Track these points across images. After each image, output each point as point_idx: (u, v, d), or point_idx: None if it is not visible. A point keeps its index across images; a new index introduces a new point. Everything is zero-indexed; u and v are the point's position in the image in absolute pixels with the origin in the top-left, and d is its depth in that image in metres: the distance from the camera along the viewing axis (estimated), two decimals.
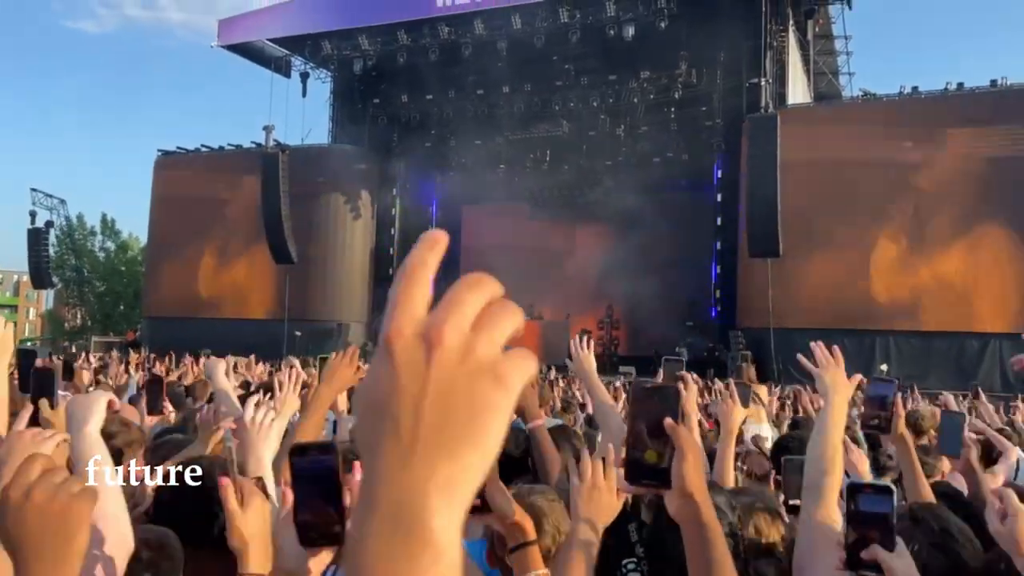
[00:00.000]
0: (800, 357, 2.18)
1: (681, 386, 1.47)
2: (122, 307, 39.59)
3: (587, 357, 2.83)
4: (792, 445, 2.89)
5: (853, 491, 1.53)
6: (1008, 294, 18.39)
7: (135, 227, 44.11)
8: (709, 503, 1.40)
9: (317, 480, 1.27)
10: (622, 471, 1.45)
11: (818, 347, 2.15)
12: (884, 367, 18.26)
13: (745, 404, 2.57)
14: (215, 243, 26.62)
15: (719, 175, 22.80)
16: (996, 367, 17.96)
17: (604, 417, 2.70)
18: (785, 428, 5.10)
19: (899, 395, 2.47)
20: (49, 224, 28.94)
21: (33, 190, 29.12)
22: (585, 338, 2.99)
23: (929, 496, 2.39)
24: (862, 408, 2.83)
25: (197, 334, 22.27)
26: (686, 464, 1.36)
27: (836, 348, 2.16)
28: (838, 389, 2.08)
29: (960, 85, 19.62)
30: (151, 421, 3.87)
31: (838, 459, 1.94)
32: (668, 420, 1.36)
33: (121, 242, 42.90)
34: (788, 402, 8.62)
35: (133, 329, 31.69)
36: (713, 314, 23.09)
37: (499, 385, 0.49)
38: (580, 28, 21.77)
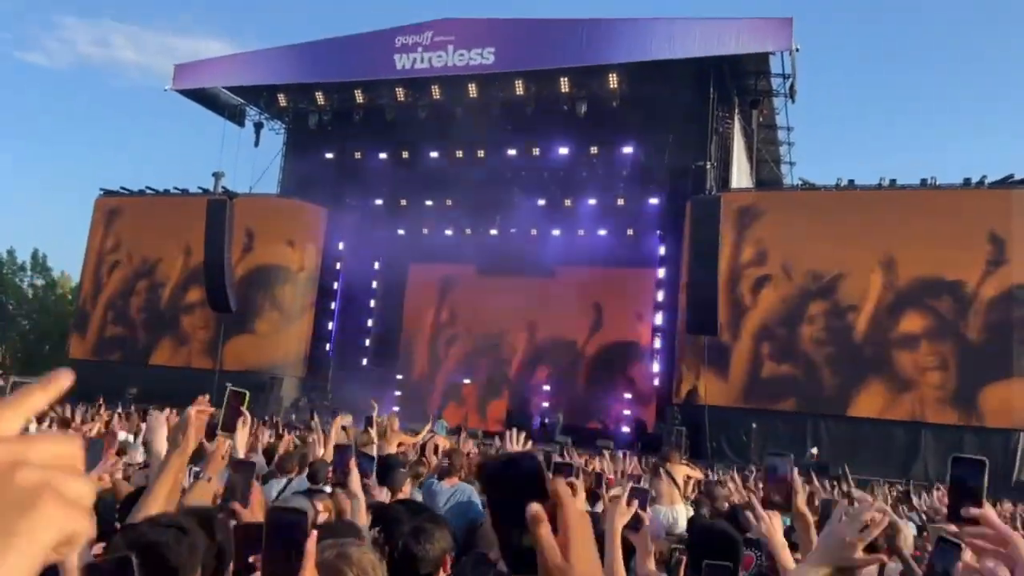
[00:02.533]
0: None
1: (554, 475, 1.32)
2: (47, 347, 38.07)
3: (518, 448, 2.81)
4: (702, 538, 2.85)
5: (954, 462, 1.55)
6: (943, 383, 18.91)
7: (69, 266, 42.80)
8: None
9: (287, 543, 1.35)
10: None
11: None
12: (815, 450, 18.54)
13: (643, 507, 2.47)
14: (151, 286, 25.96)
15: (662, 252, 23.29)
16: (922, 455, 18.38)
17: None
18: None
19: (795, 470, 2.39)
20: None
21: None
22: (520, 434, 2.92)
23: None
24: (760, 484, 2.79)
25: (125, 380, 21.51)
26: (540, 545, 0.95)
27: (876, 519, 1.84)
28: (833, 556, 1.81)
29: (893, 182, 20.56)
30: None
31: None
32: (530, 507, 1.06)
33: (51, 279, 41.50)
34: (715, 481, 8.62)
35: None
36: (651, 389, 23.25)
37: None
38: (535, 100, 22.35)
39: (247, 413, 2.53)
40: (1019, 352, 18.34)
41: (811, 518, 2.44)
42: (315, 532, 1.39)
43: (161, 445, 3.00)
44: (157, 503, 2.17)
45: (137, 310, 25.94)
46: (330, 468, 3.40)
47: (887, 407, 19.04)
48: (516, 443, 2.73)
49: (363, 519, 2.72)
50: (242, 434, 2.90)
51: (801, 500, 2.41)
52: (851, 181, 20.88)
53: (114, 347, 25.85)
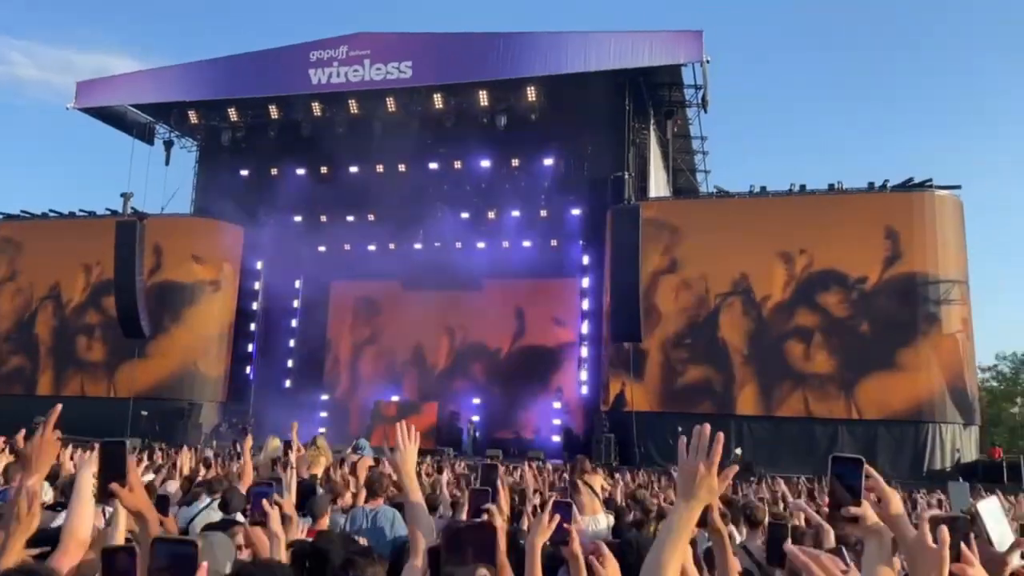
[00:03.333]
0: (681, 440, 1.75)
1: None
2: None
3: (411, 450, 2.69)
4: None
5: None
6: (841, 378, 19.67)
7: None
8: None
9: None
10: None
11: (698, 435, 1.72)
12: (739, 450, 18.98)
13: (567, 520, 2.37)
14: (58, 313, 24.75)
15: (585, 261, 23.55)
16: (841, 450, 19.05)
17: (414, 515, 2.58)
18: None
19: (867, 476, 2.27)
20: None
21: None
22: (410, 428, 2.83)
23: None
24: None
25: (31, 412, 20.36)
26: None
27: (719, 435, 1.71)
28: (696, 492, 1.68)
29: (803, 187, 21.34)
30: None
31: None
32: (480, 571, 1.21)
33: None
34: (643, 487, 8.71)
35: None
36: (579, 397, 23.42)
37: None
38: (455, 114, 22.36)
39: (132, 463, 1.95)
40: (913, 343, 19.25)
41: (725, 532, 2.33)
42: (204, 565, 1.33)
43: (86, 486, 2.74)
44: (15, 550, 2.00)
45: (41, 339, 24.69)
46: (247, 503, 3.22)
47: (807, 406, 19.69)
48: (408, 439, 2.69)
49: (283, 557, 2.60)
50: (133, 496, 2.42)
51: (715, 515, 2.25)
52: (763, 188, 21.58)
53: (18, 378, 24.53)
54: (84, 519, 2.57)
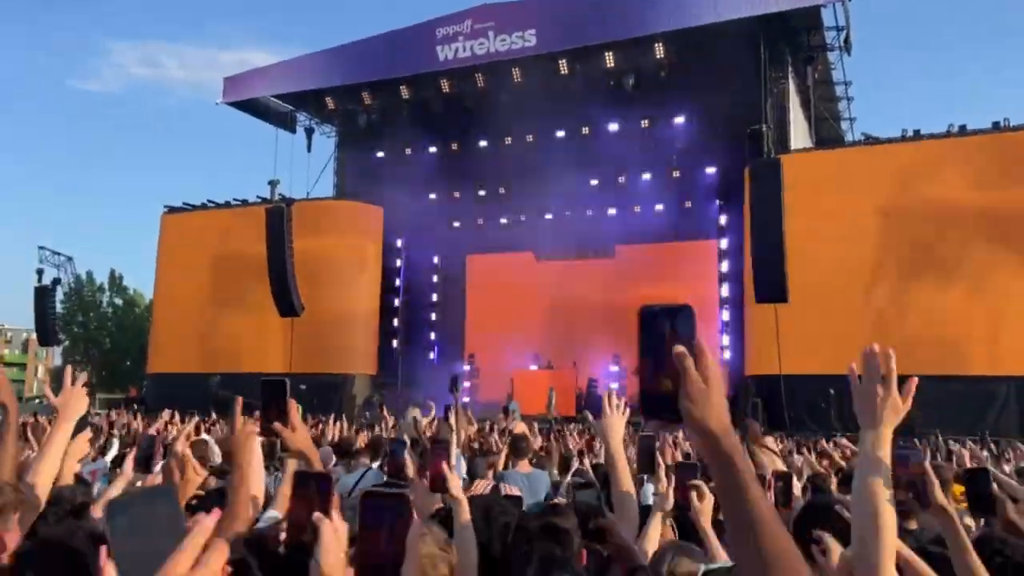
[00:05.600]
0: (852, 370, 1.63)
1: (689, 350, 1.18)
2: (128, 363, 39.50)
3: (618, 419, 2.55)
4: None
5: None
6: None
7: (142, 283, 44.39)
8: (729, 438, 1.14)
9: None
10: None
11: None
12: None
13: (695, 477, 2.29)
14: (221, 298, 26.56)
15: (722, 222, 22.74)
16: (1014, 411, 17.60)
17: (621, 504, 2.46)
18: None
19: (927, 458, 2.09)
20: (56, 282, 29.01)
21: (41, 248, 29.32)
22: (620, 398, 2.66)
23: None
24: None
25: (201, 391, 22.07)
26: (690, 394, 1.13)
27: (890, 352, 1.60)
28: (880, 416, 1.59)
29: (963, 127, 19.60)
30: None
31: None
32: (676, 348, 1.15)
33: (128, 298, 43.03)
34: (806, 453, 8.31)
35: (136, 386, 31.54)
36: (722, 361, 22.78)
37: None
38: (580, 80, 22.02)
39: (292, 403, 2.02)
40: None
41: (953, 510, 2.14)
42: (417, 520, 1.32)
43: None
44: (44, 473, 2.38)
45: (207, 322, 26.55)
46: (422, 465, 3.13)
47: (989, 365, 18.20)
48: (615, 408, 2.57)
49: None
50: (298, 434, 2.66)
51: (938, 491, 2.13)
52: (917, 131, 20.00)
53: (189, 359, 26.55)
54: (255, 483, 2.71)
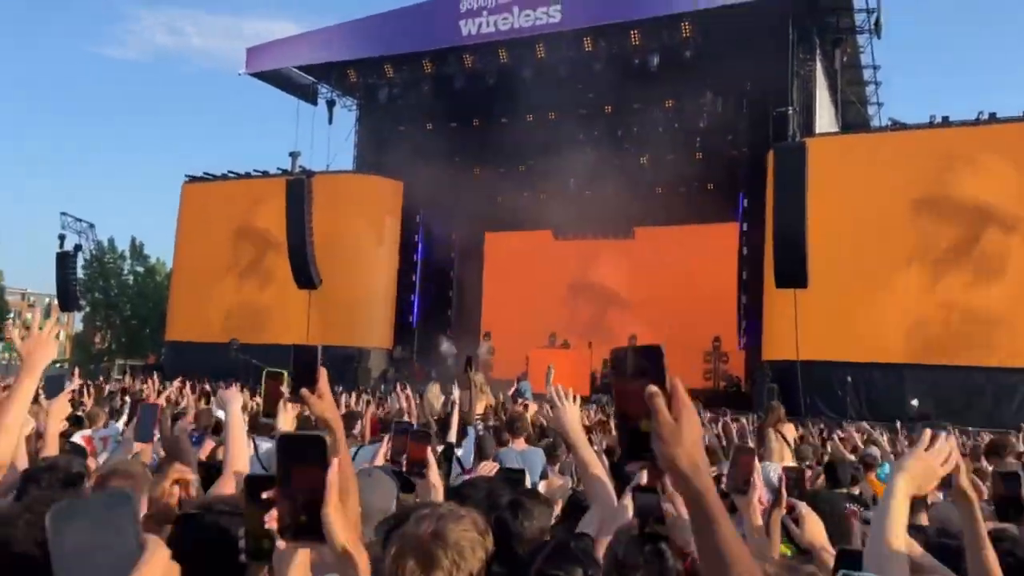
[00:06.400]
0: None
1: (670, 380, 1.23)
2: (148, 331, 39.90)
3: (571, 409, 2.49)
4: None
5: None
6: None
7: (163, 252, 44.76)
8: (700, 477, 1.19)
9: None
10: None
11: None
12: (915, 402, 17.74)
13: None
14: (239, 268, 26.73)
15: (744, 204, 22.53)
16: None
17: (594, 489, 2.44)
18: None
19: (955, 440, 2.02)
20: (78, 248, 29.29)
21: (63, 214, 29.57)
22: (567, 390, 2.56)
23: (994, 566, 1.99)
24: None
25: (218, 359, 22.28)
26: (661, 435, 1.18)
27: (951, 439, 1.95)
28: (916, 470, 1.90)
29: (992, 115, 19.24)
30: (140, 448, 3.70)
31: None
32: (649, 388, 1.19)
33: (149, 266, 43.40)
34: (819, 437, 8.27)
35: (155, 353, 31.87)
36: (738, 346, 22.70)
37: None
38: (604, 57, 21.77)
39: (287, 392, 2.30)
40: None
41: (974, 495, 2.07)
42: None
43: (238, 419, 2.99)
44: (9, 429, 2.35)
45: (226, 292, 26.74)
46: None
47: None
48: (566, 398, 2.53)
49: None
50: (286, 418, 2.84)
51: (963, 477, 2.05)
52: (945, 118, 19.65)
53: (207, 328, 26.76)
54: (240, 450, 2.80)
